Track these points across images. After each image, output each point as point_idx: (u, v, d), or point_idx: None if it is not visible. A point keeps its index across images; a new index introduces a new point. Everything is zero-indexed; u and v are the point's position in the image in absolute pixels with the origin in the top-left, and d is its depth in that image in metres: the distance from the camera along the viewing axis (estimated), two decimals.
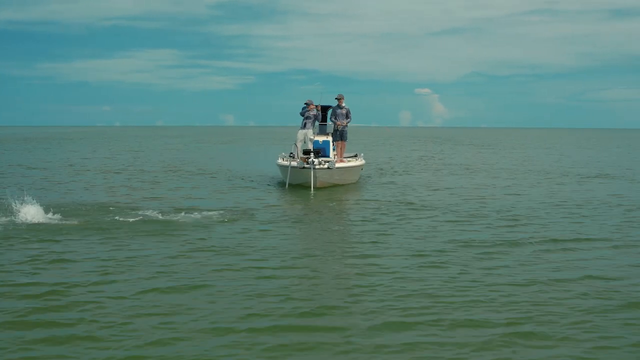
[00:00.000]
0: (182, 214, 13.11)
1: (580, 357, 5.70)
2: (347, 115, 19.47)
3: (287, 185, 18.05)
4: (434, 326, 6.44)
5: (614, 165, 30.92)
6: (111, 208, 13.94)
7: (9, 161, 31.55)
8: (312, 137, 19.01)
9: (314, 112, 19.20)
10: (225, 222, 12.34)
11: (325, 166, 17.67)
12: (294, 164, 17.99)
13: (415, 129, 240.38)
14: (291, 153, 19.50)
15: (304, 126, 19.08)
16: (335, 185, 18.35)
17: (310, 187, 17.25)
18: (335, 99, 19.66)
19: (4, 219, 12.09)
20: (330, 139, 19.52)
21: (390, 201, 15.80)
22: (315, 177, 17.27)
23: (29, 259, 9.17)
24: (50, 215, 12.67)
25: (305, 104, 19.38)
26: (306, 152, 18.19)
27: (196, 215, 12.96)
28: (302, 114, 19.32)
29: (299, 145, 18.83)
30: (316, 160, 17.50)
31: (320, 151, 18.43)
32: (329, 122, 20.10)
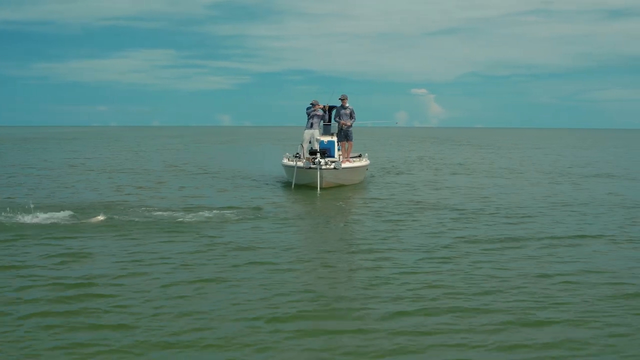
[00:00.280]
0: (192, 212, 13.34)
1: (589, 342, 5.97)
2: (351, 115, 19.49)
3: (293, 186, 18.10)
4: (448, 314, 6.74)
5: (613, 165, 31.27)
6: (121, 207, 14.17)
7: (11, 161, 31.72)
8: (318, 137, 19.07)
9: (320, 112, 19.24)
10: (237, 220, 12.58)
11: (332, 166, 17.73)
12: (300, 164, 18.04)
13: (411, 129, 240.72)
14: (297, 153, 19.67)
15: (311, 126, 19.08)
16: (341, 186, 18.45)
17: (316, 187, 17.33)
18: (339, 99, 19.71)
19: (18, 218, 12.30)
20: (335, 139, 19.62)
21: (396, 200, 16.07)
22: (321, 177, 17.34)
23: (49, 255, 9.41)
24: (61, 214, 12.89)
25: (311, 104, 19.39)
26: (312, 152, 18.25)
27: (206, 213, 13.19)
28: (308, 114, 19.30)
29: (306, 145, 18.89)
30: (322, 161, 17.56)
31: (326, 151, 18.49)
32: (333, 123, 20.17)
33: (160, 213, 13.32)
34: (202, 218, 12.67)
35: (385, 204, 15.24)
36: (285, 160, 20.04)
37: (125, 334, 6.16)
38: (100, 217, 12.57)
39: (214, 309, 6.93)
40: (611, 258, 9.57)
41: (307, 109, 19.45)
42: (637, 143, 71.25)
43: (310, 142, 19.00)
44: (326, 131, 20.16)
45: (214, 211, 13.50)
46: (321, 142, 19.10)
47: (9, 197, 16.29)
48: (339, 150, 19.55)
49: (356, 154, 20.93)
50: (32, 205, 14.36)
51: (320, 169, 17.35)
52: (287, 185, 19.15)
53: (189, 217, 12.73)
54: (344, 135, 19.50)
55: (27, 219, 12.34)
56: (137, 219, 12.49)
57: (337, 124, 19.67)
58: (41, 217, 12.50)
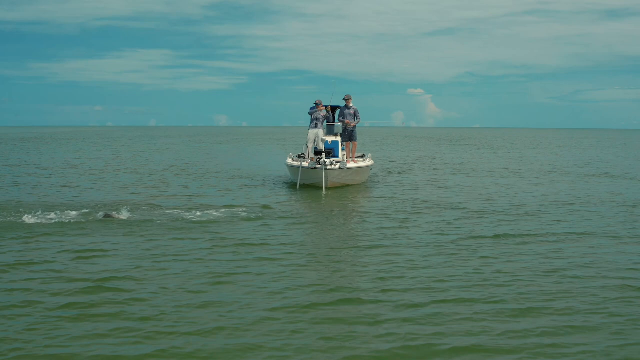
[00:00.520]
0: (201, 211, 13.54)
1: (597, 330, 6.20)
2: (356, 115, 19.52)
3: (298, 186, 18.14)
4: (460, 305, 6.99)
5: (611, 164, 31.55)
6: (130, 206, 14.33)
7: (13, 161, 31.83)
8: (323, 137, 19.13)
9: (324, 112, 19.31)
10: (246, 219, 12.76)
11: (337, 166, 17.81)
12: (305, 164, 18.11)
13: (408, 129, 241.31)
14: (302, 153, 19.78)
15: (315, 126, 19.11)
16: (345, 186, 18.53)
17: (321, 187, 17.43)
18: (343, 99, 19.72)
19: (29, 217, 12.47)
20: (339, 139, 19.70)
21: (401, 199, 16.31)
22: (326, 177, 17.42)
23: (65, 252, 9.63)
24: (71, 213, 13.09)
25: (315, 104, 19.45)
26: (317, 152, 18.29)
27: (215, 212, 13.39)
28: (311, 114, 19.37)
29: (310, 145, 18.97)
30: (328, 161, 17.63)
31: (330, 151, 18.56)
32: (337, 123, 20.17)
33: (169, 211, 13.52)
34: (211, 217, 12.86)
35: (391, 203, 15.47)
36: (289, 161, 20.10)
37: (148, 325, 6.39)
38: (110, 216, 12.75)
39: (233, 301, 7.18)
40: (615, 254, 9.84)
41: (311, 109, 19.52)
42: (634, 143, 71.64)
43: (314, 142, 19.04)
44: (330, 131, 20.21)
45: (223, 210, 13.70)
46: (325, 142, 19.16)
47: (17, 197, 16.46)
48: (343, 150, 19.63)
49: (359, 154, 21.05)
50: (41, 205, 14.60)
51: (326, 169, 17.41)
52: (291, 185, 19.28)
53: (199, 216, 12.92)
54: (349, 136, 19.51)
55: (38, 217, 12.52)
56: (146, 218, 12.69)
57: (341, 124, 19.70)
58: (52, 216, 12.68)
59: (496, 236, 11.07)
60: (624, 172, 26.04)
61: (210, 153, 43.16)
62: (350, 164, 18.63)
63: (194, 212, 13.47)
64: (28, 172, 24.88)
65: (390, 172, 25.46)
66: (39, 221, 12.18)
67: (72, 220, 12.35)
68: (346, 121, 19.43)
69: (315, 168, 17.61)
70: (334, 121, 20.71)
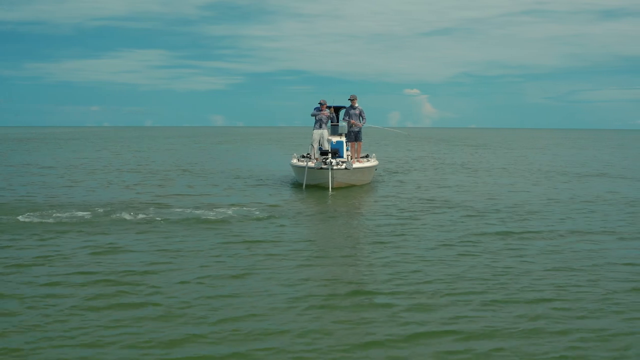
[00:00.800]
0: (209, 210, 13.73)
1: (609, 329, 6.45)
2: (361, 115, 19.56)
3: (304, 186, 18.20)
4: (473, 300, 7.21)
5: (609, 164, 31.88)
6: (138, 205, 14.57)
7: (15, 161, 31.97)
8: (329, 137, 19.20)
9: (328, 112, 19.34)
10: (255, 218, 12.95)
11: (343, 167, 17.87)
12: (311, 164, 18.20)
13: (404, 130, 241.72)
14: (307, 153, 19.90)
15: (320, 127, 19.18)
16: (351, 186, 18.60)
17: (326, 187, 17.49)
18: (349, 99, 19.75)
19: (40, 216, 12.68)
20: (343, 139, 19.74)
21: (407, 198, 16.54)
22: (333, 177, 17.48)
23: (81, 250, 9.83)
24: (81, 212, 13.29)
25: (319, 103, 19.49)
26: (324, 152, 18.32)
27: (223, 211, 13.57)
28: (315, 115, 19.38)
29: (315, 145, 19.04)
30: (334, 161, 17.71)
31: (335, 152, 18.56)
32: (341, 123, 20.23)
33: (178, 210, 13.73)
34: (221, 215, 13.06)
35: (398, 202, 15.71)
36: (294, 161, 20.14)
37: (173, 317, 6.64)
38: (121, 215, 12.96)
39: (251, 296, 7.41)
40: (620, 250, 10.14)
41: (315, 109, 19.51)
42: (630, 143, 72.08)
43: (319, 142, 19.10)
44: (334, 131, 20.23)
45: (233, 209, 13.89)
46: (330, 143, 19.18)
47: (24, 196, 16.62)
48: (347, 150, 19.69)
49: (363, 154, 21.19)
50: (53, 204, 14.80)
51: (332, 169, 17.48)
52: (296, 185, 19.39)
53: (209, 214, 13.12)
54: (354, 136, 19.55)
55: (51, 216, 12.73)
56: (157, 217, 12.87)
57: (345, 125, 19.74)
58: (64, 215, 12.89)
59: (503, 233, 11.36)
60: (622, 172, 26.35)
61: (210, 153, 43.33)
62: (356, 164, 18.67)
63: (203, 210, 13.68)
64: (33, 171, 25.04)
65: (393, 172, 25.68)
66: (52, 220, 12.38)
67: (85, 219, 12.56)
68: (351, 121, 19.44)
69: (321, 168, 17.66)
70: (337, 121, 20.80)
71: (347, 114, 19.79)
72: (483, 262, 9.15)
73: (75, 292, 7.58)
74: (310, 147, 19.52)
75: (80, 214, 13.10)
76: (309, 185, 18.20)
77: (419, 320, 6.60)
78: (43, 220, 12.27)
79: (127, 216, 12.88)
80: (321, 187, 17.91)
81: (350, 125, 19.55)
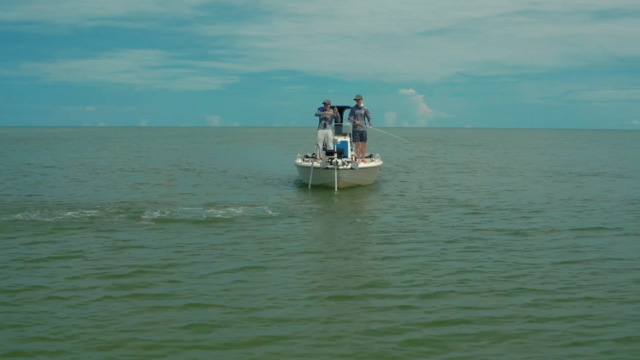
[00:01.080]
0: (217, 209, 13.93)
1: (613, 318, 6.70)
2: (366, 115, 19.67)
3: (309, 186, 18.24)
4: (484, 293, 7.47)
5: (606, 164, 32.19)
6: (147, 204, 14.78)
7: (17, 161, 32.11)
8: (334, 137, 19.28)
9: (332, 112, 19.45)
10: (264, 217, 13.13)
11: (349, 167, 17.88)
12: (316, 164, 18.21)
13: (400, 130, 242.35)
14: (313, 153, 20.01)
15: (324, 127, 19.27)
16: (356, 185, 18.66)
17: (332, 187, 17.54)
18: (354, 99, 19.85)
19: (48, 215, 12.86)
20: (347, 139, 19.83)
21: (413, 197, 16.80)
22: (338, 177, 17.52)
23: (99, 246, 10.07)
24: (91, 211, 13.47)
25: (323, 103, 19.56)
26: (329, 152, 18.36)
27: (234, 210, 13.78)
28: (319, 115, 19.48)
29: (320, 145, 19.13)
30: (340, 161, 17.77)
31: (341, 152, 18.59)
32: (345, 123, 20.34)
33: (187, 209, 13.92)
34: (230, 214, 13.24)
35: (403, 201, 15.95)
36: (299, 161, 20.18)
37: (192, 313, 6.86)
38: (131, 213, 13.17)
39: (268, 289, 7.68)
40: (624, 246, 10.43)
41: (319, 109, 19.58)
42: (627, 143, 72.52)
43: (324, 142, 19.17)
44: (337, 131, 20.28)
45: (241, 207, 14.08)
46: (334, 142, 19.24)
47: (32, 195, 16.78)
48: (352, 150, 19.75)
49: (367, 154, 21.25)
50: (61, 203, 15.00)
51: (338, 169, 17.53)
52: (301, 185, 19.45)
53: (217, 213, 13.31)
54: (359, 136, 19.64)
55: (60, 215, 12.88)
56: (167, 215, 13.06)
57: (350, 125, 19.80)
58: (73, 214, 13.04)
59: (508, 230, 11.66)
60: (620, 171, 26.66)
61: (210, 153, 43.52)
62: (361, 164, 18.72)
63: (212, 209, 13.88)
64: (38, 171, 25.21)
65: (395, 172, 25.88)
66: (63, 218, 12.57)
67: (97, 217, 12.75)
68: (356, 122, 19.55)
69: (327, 168, 17.70)
70: (341, 121, 20.93)
71: (352, 113, 19.89)
72: (492, 257, 9.43)
73: (97, 284, 7.83)
74: (315, 147, 19.61)
75: (90, 212, 13.30)
76: (315, 185, 18.25)
77: (432, 311, 6.87)
78: (54, 219, 12.45)
79: (137, 214, 13.08)
80: (327, 187, 17.94)
81: (355, 125, 19.62)
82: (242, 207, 14.13)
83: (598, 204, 15.63)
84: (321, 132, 19.36)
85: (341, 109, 21.33)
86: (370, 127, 19.81)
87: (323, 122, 19.37)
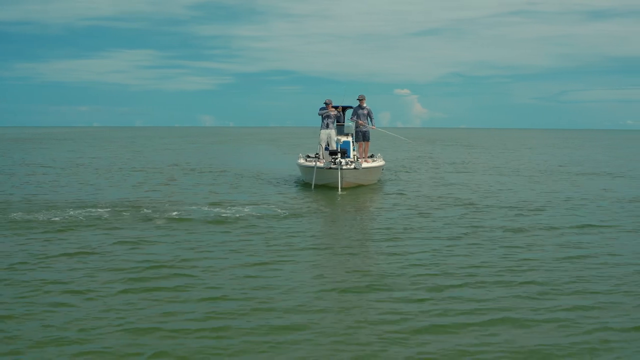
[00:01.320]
0: (223, 208, 14.08)
1: (620, 308, 6.94)
2: (369, 116, 19.79)
3: (313, 186, 18.23)
4: (493, 286, 7.70)
5: (603, 163, 32.55)
6: (153, 203, 14.93)
7: (17, 161, 32.17)
8: (338, 137, 19.34)
9: (335, 112, 19.52)
10: (274, 216, 13.25)
11: (352, 167, 17.95)
12: (319, 164, 18.27)
13: (395, 130, 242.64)
14: (316, 154, 20.12)
15: (327, 126, 19.37)
16: (359, 185, 18.73)
17: (335, 187, 17.60)
18: (357, 99, 19.98)
19: (55, 214, 13.00)
20: (350, 139, 19.92)
21: (416, 196, 17.00)
22: (342, 177, 17.58)
23: (109, 244, 10.23)
24: (97, 210, 13.62)
25: (325, 103, 19.63)
26: (333, 152, 18.37)
27: (240, 209, 13.95)
28: (321, 114, 19.55)
29: (323, 145, 19.22)
30: (343, 161, 17.83)
31: (344, 152, 18.63)
32: (348, 123, 20.40)
33: (194, 207, 14.07)
34: (238, 213, 13.37)
35: (407, 200, 16.15)
36: (301, 161, 20.24)
37: (210, 304, 7.08)
38: (139, 212, 13.34)
39: (281, 284, 7.88)
40: (626, 242, 10.71)
41: (321, 109, 19.64)
42: (621, 143, 72.98)
43: (327, 142, 19.27)
44: (339, 131, 20.32)
45: (247, 207, 14.25)
46: (336, 142, 19.24)
47: (36, 195, 16.90)
48: (354, 150, 19.85)
49: (368, 154, 21.33)
50: (66, 202, 15.16)
51: (341, 169, 17.59)
52: (304, 184, 19.48)
53: (225, 212, 13.45)
54: (362, 136, 19.74)
55: (67, 214, 13.01)
56: (174, 214, 13.18)
57: (352, 125, 19.87)
58: (81, 213, 13.14)
59: (512, 227, 11.90)
60: (617, 170, 26.98)
61: (208, 153, 43.64)
62: (365, 164, 18.75)
63: (219, 208, 14.04)
64: (39, 171, 25.32)
65: (395, 171, 26.07)
66: (70, 217, 12.68)
67: (104, 216, 12.86)
68: (359, 122, 19.62)
69: (330, 168, 17.72)
70: (343, 121, 21.00)
71: (354, 113, 19.96)
72: (498, 252, 9.69)
73: (112, 280, 8.02)
74: (318, 146, 19.72)
75: (97, 211, 13.45)
76: (318, 185, 18.27)
77: (441, 303, 7.10)
78: (62, 218, 12.56)
79: (146, 213, 13.24)
80: (330, 187, 17.98)
81: (357, 125, 19.69)
82: (248, 206, 14.33)
83: (599, 202, 15.94)
84: (324, 132, 19.43)
85: (344, 109, 21.36)
86: (373, 128, 19.95)
87: (326, 121, 19.44)
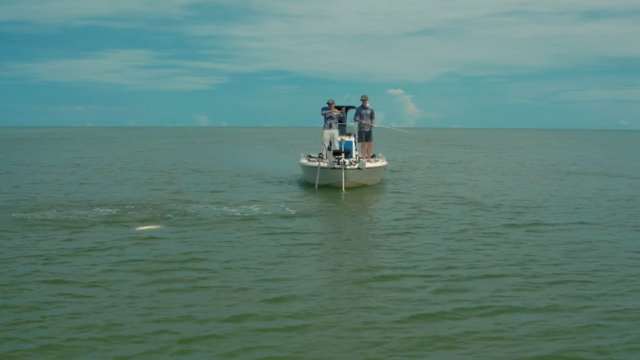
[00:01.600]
0: (229, 207, 14.26)
1: (624, 299, 7.24)
2: (372, 116, 19.91)
3: (316, 186, 18.31)
4: (500, 280, 8.00)
5: (598, 163, 32.91)
6: (158, 202, 15.08)
7: (18, 160, 32.28)
8: (341, 137, 19.43)
9: (337, 112, 19.61)
10: (281, 215, 13.37)
11: (356, 166, 18.00)
12: (323, 164, 18.30)
13: (391, 130, 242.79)
14: (320, 154, 20.21)
15: (329, 127, 19.47)
16: (362, 185, 18.82)
17: (339, 187, 17.70)
18: (360, 99, 20.07)
19: (59, 213, 13.13)
20: (352, 139, 20.02)
21: (418, 195, 17.26)
22: (345, 177, 17.65)
23: (121, 241, 10.43)
24: (103, 209, 13.75)
25: (327, 103, 19.71)
26: (336, 152, 18.48)
27: (247, 207, 14.17)
28: (324, 114, 19.63)
29: (327, 145, 19.36)
30: (347, 161, 17.90)
31: (347, 152, 18.81)
32: (350, 123, 20.50)
33: (200, 207, 14.22)
34: (246, 212, 13.54)
35: (411, 199, 16.39)
36: (304, 161, 20.33)
37: (228, 295, 7.36)
38: (145, 211, 13.49)
39: (293, 279, 8.15)
40: (629, 240, 11.02)
41: (323, 109, 19.69)
42: (616, 142, 73.38)
43: (330, 143, 19.38)
44: (342, 131, 20.40)
45: (254, 206, 14.46)
46: (339, 143, 19.34)
47: (41, 194, 16.98)
48: (356, 150, 19.96)
49: (371, 155, 21.44)
50: (72, 200, 15.30)
51: (345, 169, 17.69)
52: (307, 184, 19.54)
53: (233, 211, 13.63)
54: (365, 136, 19.87)
55: (74, 213, 13.14)
56: (181, 213, 13.32)
57: (355, 125, 19.94)
58: (88, 212, 13.27)
59: (517, 225, 12.22)
60: (614, 170, 27.34)
61: (207, 152, 43.79)
62: (368, 164, 18.84)
63: (224, 207, 14.23)
64: (42, 170, 25.44)
65: (396, 171, 26.26)
66: (77, 216, 12.77)
67: (112, 215, 12.98)
68: (362, 122, 19.73)
69: (334, 168, 17.81)
70: (346, 121, 21.06)
71: (357, 113, 20.06)
72: (503, 250, 9.97)
73: (131, 273, 8.29)
74: (322, 146, 19.83)
75: (105, 210, 13.55)
76: (321, 185, 18.35)
77: (450, 299, 7.36)
78: (72, 217, 12.69)
79: (153, 212, 13.37)
80: (333, 187, 18.06)
81: (361, 126, 19.81)
82: (255, 205, 14.54)
83: (599, 200, 16.28)
84: (327, 132, 19.51)
85: (347, 109, 21.46)
86: (373, 126, 20.11)
87: (329, 122, 19.52)
